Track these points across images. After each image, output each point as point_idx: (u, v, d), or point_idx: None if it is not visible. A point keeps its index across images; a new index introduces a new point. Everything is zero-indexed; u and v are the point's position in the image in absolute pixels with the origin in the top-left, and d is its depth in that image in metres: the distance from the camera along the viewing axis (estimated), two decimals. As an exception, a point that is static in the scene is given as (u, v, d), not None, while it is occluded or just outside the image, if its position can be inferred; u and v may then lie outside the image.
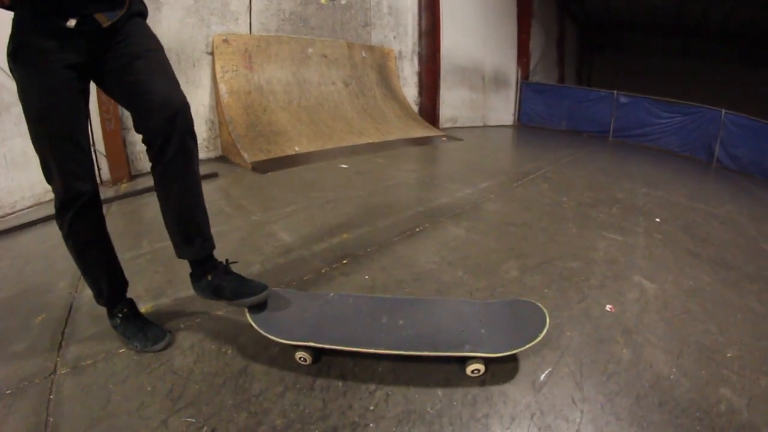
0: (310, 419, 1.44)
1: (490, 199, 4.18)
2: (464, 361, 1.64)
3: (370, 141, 7.34)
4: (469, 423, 1.43)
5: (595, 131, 14.59)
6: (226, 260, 1.93)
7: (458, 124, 12.38)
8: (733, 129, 11.95)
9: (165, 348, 1.83)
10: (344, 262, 2.43)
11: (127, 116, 5.76)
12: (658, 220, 4.24)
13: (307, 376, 1.67)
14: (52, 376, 1.69)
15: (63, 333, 2.00)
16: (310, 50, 7.85)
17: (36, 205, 5.04)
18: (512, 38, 15.96)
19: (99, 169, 5.57)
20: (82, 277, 2.08)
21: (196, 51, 6.16)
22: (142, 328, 1.85)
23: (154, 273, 2.57)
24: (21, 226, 4.03)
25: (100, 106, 5.40)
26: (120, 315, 1.86)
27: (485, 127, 13.70)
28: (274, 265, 2.51)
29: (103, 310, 1.96)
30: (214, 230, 1.88)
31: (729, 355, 2.02)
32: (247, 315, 1.83)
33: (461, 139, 8.90)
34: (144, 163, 5.95)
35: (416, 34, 10.71)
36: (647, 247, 3.33)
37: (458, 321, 1.77)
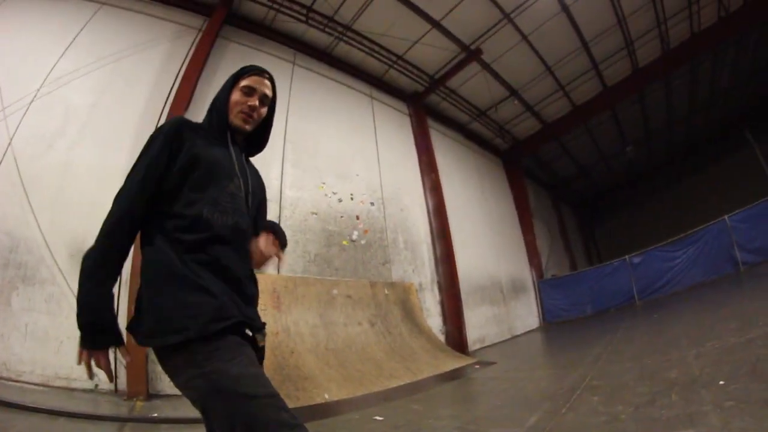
0: None
1: None
2: None
3: (402, 383, 7.18)
4: None
5: (620, 303, 14.31)
6: None
7: (487, 343, 12.28)
8: (741, 227, 11.97)
9: None
10: None
11: None
12: (722, 382, 3.80)
13: None
14: None
15: None
16: (335, 291, 8.18)
17: (43, 385, 5.03)
18: (520, 243, 16.78)
19: (116, 378, 5.43)
20: None
21: None
22: None
23: None
24: (26, 408, 4.04)
25: (128, 317, 5.33)
26: None
27: (513, 338, 13.53)
28: None
29: None
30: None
31: None
32: None
33: (494, 363, 8.67)
34: (163, 384, 5.87)
35: (433, 263, 11.34)
36: (721, 426, 2.95)
37: None
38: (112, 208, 1.71)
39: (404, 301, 9.31)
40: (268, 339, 6.63)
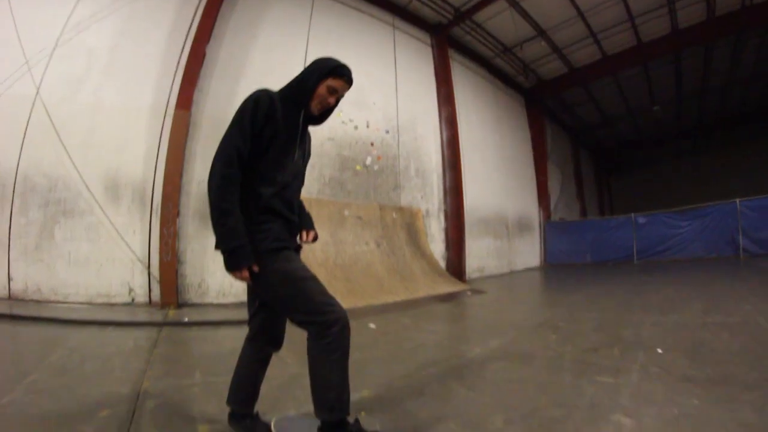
0: None
1: (495, 357, 4.45)
2: None
3: (398, 299, 7.87)
4: None
5: (619, 257, 14.73)
6: (257, 413, 2.57)
7: (485, 274, 12.91)
8: (751, 215, 12.11)
9: None
10: (362, 413, 2.83)
11: (182, 251, 6.68)
12: (659, 350, 4.32)
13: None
14: None
15: (129, 429, 2.48)
16: (346, 212, 8.81)
17: (87, 303, 5.80)
18: (531, 183, 16.90)
19: (150, 291, 6.35)
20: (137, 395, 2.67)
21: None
22: None
23: (208, 400, 3.07)
24: (77, 322, 4.65)
25: (161, 239, 6.29)
26: (353, 428, 2.26)
27: (512, 272, 14.05)
28: (306, 410, 2.83)
29: (166, 421, 2.65)
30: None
31: None
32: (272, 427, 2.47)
33: (484, 292, 9.29)
34: (190, 295, 6.73)
35: (441, 192, 11.71)
36: (637, 384, 3.45)
37: None
38: (221, 158, 2.17)
39: (410, 225, 9.85)
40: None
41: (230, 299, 7.05)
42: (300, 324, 2.23)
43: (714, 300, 6.77)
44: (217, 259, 6.76)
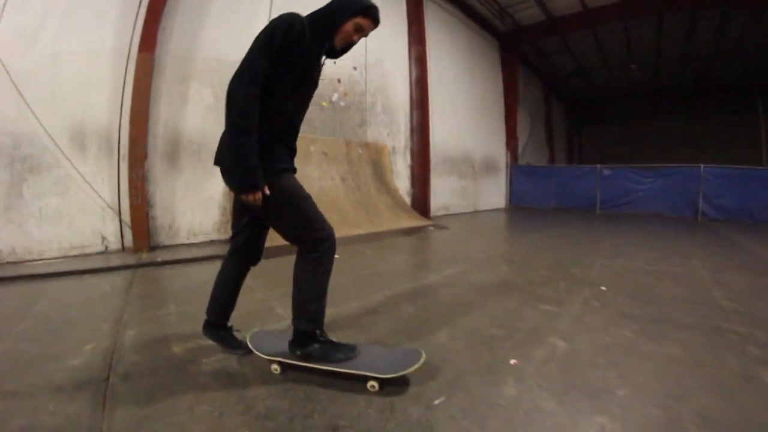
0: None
1: (447, 284, 4.65)
2: (366, 380, 2.28)
3: (363, 232, 8.00)
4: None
5: (582, 206, 15.13)
6: (230, 326, 2.76)
7: (450, 212, 13.10)
8: (714, 181, 12.60)
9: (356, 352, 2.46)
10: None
11: (152, 194, 6.60)
12: (603, 288, 4.54)
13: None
14: (106, 381, 2.32)
15: (112, 357, 2.64)
16: (312, 148, 8.71)
17: (62, 257, 5.74)
18: (500, 126, 16.84)
19: (123, 237, 6.33)
20: (122, 324, 2.64)
21: (214, 144, 6.86)
22: (335, 346, 2.46)
23: (182, 326, 3.24)
24: (54, 274, 4.72)
25: (129, 183, 6.21)
26: (321, 338, 2.43)
27: (477, 212, 14.30)
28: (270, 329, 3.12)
29: (145, 345, 2.83)
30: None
31: (620, 393, 2.26)
32: (248, 340, 2.61)
33: (447, 228, 9.54)
34: (162, 237, 6.73)
35: (408, 130, 11.60)
36: (577, 314, 3.64)
37: (371, 357, 2.45)
38: (248, 74, 2.13)
39: (376, 161, 9.83)
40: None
41: (200, 238, 7.04)
42: (294, 239, 2.39)
43: (665, 252, 7.04)
44: (187, 199, 6.97)
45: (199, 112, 6.97)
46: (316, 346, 2.40)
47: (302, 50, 2.23)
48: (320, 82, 2.52)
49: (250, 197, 2.19)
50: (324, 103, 9.30)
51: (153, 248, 6.38)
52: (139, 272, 5.05)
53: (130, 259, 5.64)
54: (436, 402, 2.18)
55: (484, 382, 2.41)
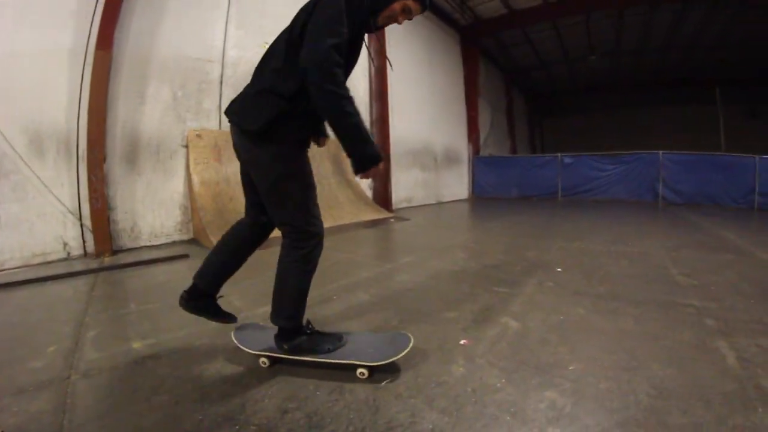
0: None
1: (403, 271, 4.69)
2: (355, 368, 2.28)
3: (324, 226, 7.84)
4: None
5: (544, 194, 15.34)
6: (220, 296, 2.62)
7: (413, 204, 13.11)
8: (672, 167, 13.05)
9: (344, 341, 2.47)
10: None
11: (112, 197, 6.41)
12: (559, 269, 4.64)
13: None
14: (67, 380, 2.31)
15: (73, 356, 2.62)
16: None
17: (24, 266, 5.50)
18: (461, 118, 16.95)
19: (84, 242, 6.11)
20: (90, 327, 2.60)
21: (174, 143, 6.86)
22: (322, 336, 2.44)
23: (142, 323, 3.22)
24: (15, 283, 4.60)
25: (89, 186, 6.02)
26: (308, 330, 2.42)
27: (440, 203, 14.35)
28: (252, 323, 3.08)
29: (106, 344, 2.81)
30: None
31: (571, 368, 2.30)
32: (233, 337, 2.59)
33: (408, 219, 9.59)
34: (124, 240, 6.54)
35: (368, 124, 11.36)
36: (530, 295, 3.73)
37: (359, 345, 2.46)
38: (330, 59, 1.98)
39: (336, 155, 9.73)
40: (210, 188, 7.09)
41: (162, 240, 6.87)
42: (285, 222, 2.29)
43: (622, 234, 7.20)
44: (147, 201, 6.80)
45: (157, 112, 6.80)
46: (303, 338, 2.38)
47: (352, 24, 2.14)
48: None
49: (371, 172, 2.14)
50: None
51: (115, 252, 6.22)
52: (101, 276, 4.95)
53: (93, 264, 5.52)
54: (383, 383, 2.21)
55: (433, 362, 2.45)
